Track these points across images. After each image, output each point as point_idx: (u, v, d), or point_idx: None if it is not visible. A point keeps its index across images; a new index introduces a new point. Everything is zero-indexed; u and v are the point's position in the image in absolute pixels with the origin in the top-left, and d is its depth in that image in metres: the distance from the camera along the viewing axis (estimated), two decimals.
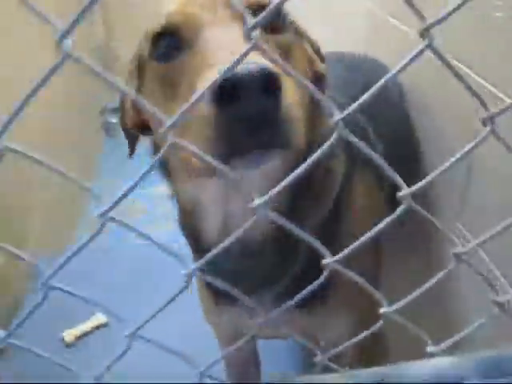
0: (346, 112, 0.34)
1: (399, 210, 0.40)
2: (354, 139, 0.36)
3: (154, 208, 2.61)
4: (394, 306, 0.45)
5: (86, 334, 1.60)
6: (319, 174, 0.73)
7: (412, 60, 0.33)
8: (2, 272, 1.65)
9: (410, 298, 0.45)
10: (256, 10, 0.57)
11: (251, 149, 0.48)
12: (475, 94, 0.39)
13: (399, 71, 0.34)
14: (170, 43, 0.61)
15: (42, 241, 2.03)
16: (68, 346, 1.54)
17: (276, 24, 0.62)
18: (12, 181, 1.77)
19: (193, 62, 0.56)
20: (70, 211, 2.45)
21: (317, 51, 0.73)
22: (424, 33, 0.33)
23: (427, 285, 0.45)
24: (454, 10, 0.32)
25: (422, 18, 0.33)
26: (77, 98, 2.68)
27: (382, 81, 0.34)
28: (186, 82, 0.56)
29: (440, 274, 0.46)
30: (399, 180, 0.40)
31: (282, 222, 0.37)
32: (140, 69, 0.69)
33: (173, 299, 0.39)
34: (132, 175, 0.30)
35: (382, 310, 0.45)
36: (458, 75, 0.37)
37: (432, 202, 1.00)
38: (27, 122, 2.11)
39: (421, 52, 0.33)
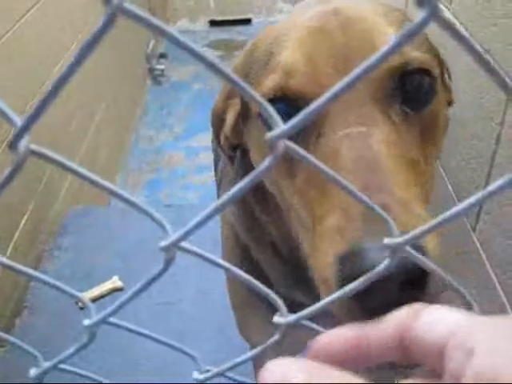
0: None
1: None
2: None
3: (191, 160, 2.51)
4: None
5: (101, 297, 1.53)
6: None
7: None
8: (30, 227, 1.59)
9: None
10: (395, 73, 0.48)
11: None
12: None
13: None
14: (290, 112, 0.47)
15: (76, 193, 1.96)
16: (82, 308, 1.47)
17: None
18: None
19: (318, 155, 0.46)
20: (109, 164, 2.39)
21: (446, 69, 0.60)
22: None
23: None
24: None
25: None
26: (123, 41, 2.55)
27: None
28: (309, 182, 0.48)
29: None
30: (279, 304, 0.33)
31: None
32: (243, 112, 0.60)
33: (153, 280, 0.30)
34: (176, 125, 0.19)
35: None
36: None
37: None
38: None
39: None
